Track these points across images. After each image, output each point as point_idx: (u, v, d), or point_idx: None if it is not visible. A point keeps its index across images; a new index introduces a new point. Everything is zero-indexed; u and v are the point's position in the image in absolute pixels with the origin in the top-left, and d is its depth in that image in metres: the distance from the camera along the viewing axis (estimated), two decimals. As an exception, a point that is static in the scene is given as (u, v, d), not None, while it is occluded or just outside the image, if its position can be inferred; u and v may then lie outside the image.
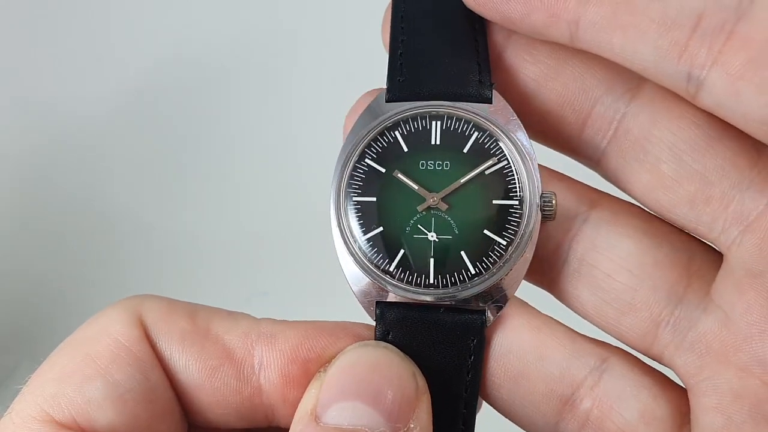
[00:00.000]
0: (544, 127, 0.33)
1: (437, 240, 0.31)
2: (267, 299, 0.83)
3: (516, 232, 0.30)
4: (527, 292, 0.33)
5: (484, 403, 0.33)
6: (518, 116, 0.31)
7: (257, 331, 0.31)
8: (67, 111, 0.87)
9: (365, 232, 0.31)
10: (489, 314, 0.31)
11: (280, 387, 0.31)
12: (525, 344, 0.31)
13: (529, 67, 0.32)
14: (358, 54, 0.76)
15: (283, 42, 0.87)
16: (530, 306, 0.33)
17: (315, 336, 0.31)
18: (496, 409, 0.33)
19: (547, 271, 0.32)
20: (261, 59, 0.87)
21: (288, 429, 0.30)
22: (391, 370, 0.29)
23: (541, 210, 0.30)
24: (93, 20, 0.89)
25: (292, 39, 0.86)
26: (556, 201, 0.30)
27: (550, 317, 0.32)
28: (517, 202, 0.31)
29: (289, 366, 0.30)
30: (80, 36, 0.89)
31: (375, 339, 0.31)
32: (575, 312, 0.33)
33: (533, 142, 0.32)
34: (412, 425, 0.28)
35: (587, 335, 0.32)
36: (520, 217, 0.31)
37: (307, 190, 0.82)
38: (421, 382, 0.30)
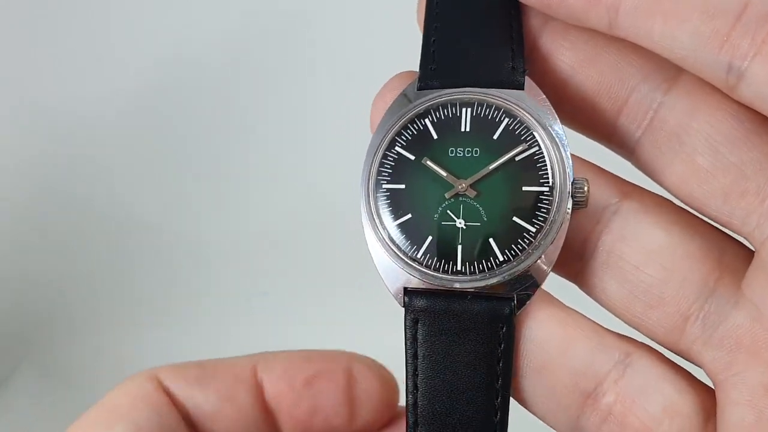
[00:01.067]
0: (580, 114, 0.32)
1: (465, 227, 0.31)
2: (267, 299, 0.83)
3: (546, 219, 0.30)
4: (553, 284, 0.32)
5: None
6: (552, 102, 0.31)
7: (257, 356, 0.38)
8: (70, 112, 0.87)
9: (394, 219, 0.31)
10: (517, 302, 0.30)
11: (275, 399, 0.37)
12: (549, 336, 0.31)
13: (565, 53, 0.31)
14: (364, 54, 0.77)
15: (289, 43, 0.87)
16: (555, 298, 0.32)
17: (302, 359, 0.38)
18: (517, 401, 0.33)
19: (574, 261, 0.32)
20: (267, 59, 0.87)
21: None
22: None
23: (573, 197, 0.30)
24: (98, 20, 0.89)
25: (298, 39, 0.86)
26: (588, 188, 0.30)
27: (575, 310, 0.32)
28: (547, 189, 0.30)
29: (277, 383, 0.37)
30: (87, 36, 0.89)
31: (404, 326, 0.31)
32: (601, 305, 0.32)
33: (566, 129, 0.32)
34: None
35: (612, 330, 0.32)
36: (550, 204, 0.30)
37: (309, 191, 0.83)
38: None
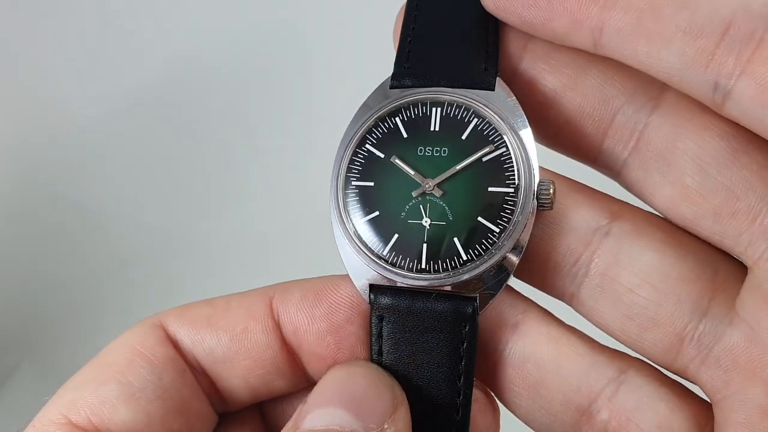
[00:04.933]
0: (564, 137, 0.32)
1: (431, 225, 0.31)
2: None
3: (510, 219, 0.30)
4: (550, 300, 0.33)
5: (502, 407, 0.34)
6: (536, 125, 0.31)
7: (273, 289, 0.33)
8: (75, 112, 0.87)
9: (362, 216, 0.32)
10: (481, 301, 0.31)
11: (295, 335, 0.33)
12: (544, 354, 0.31)
13: (547, 78, 0.31)
14: (369, 55, 0.77)
15: (294, 43, 0.86)
16: (552, 315, 0.32)
17: (319, 285, 0.33)
18: (517, 417, 0.33)
19: (567, 285, 0.32)
20: (271, 60, 0.87)
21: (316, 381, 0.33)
22: (367, 379, 0.30)
23: (538, 198, 0.30)
24: (101, 20, 0.89)
25: (303, 40, 0.86)
26: (554, 189, 0.30)
27: (571, 327, 0.32)
28: (512, 190, 0.30)
29: (297, 315, 0.33)
30: (91, 36, 0.89)
31: (370, 323, 0.32)
32: (598, 327, 0.32)
33: (551, 151, 0.32)
34: (386, 426, 0.28)
35: (608, 345, 0.32)
36: (515, 205, 0.30)
37: (309, 193, 0.83)
38: (399, 394, 0.30)
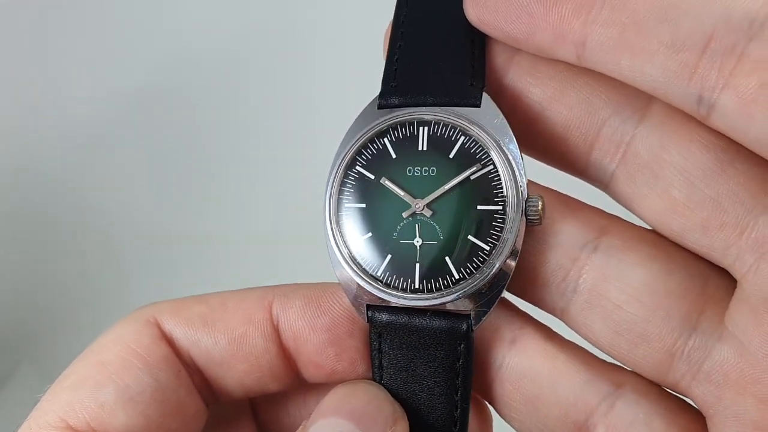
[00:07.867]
0: (552, 150, 0.32)
1: (422, 245, 0.31)
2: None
3: (500, 237, 0.30)
4: (546, 313, 0.33)
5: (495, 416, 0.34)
6: (523, 139, 0.31)
7: (272, 293, 0.34)
8: (71, 109, 0.87)
9: (355, 238, 0.32)
10: (474, 318, 0.31)
11: (294, 342, 0.33)
12: (540, 369, 0.32)
13: (533, 90, 0.31)
14: (368, 55, 0.77)
15: (294, 41, 0.86)
16: (548, 329, 0.33)
17: (321, 294, 0.33)
18: (515, 430, 0.34)
19: (557, 300, 0.32)
20: (271, 58, 0.87)
21: (310, 383, 0.34)
22: (368, 395, 0.31)
23: (526, 214, 0.30)
24: (96, 19, 0.89)
25: (302, 38, 0.86)
26: (542, 205, 0.30)
27: (568, 341, 0.32)
28: (501, 208, 0.30)
29: (298, 324, 0.33)
30: (85, 35, 0.89)
31: (369, 338, 0.32)
32: (589, 342, 0.32)
33: (540, 164, 0.32)
34: None
35: (605, 360, 0.32)
36: (504, 223, 0.30)
37: (312, 191, 0.82)
38: (399, 409, 0.31)
